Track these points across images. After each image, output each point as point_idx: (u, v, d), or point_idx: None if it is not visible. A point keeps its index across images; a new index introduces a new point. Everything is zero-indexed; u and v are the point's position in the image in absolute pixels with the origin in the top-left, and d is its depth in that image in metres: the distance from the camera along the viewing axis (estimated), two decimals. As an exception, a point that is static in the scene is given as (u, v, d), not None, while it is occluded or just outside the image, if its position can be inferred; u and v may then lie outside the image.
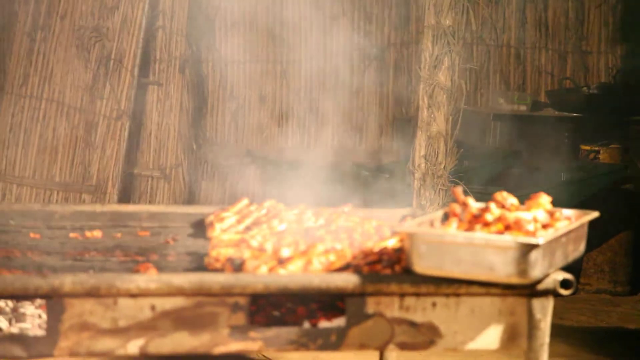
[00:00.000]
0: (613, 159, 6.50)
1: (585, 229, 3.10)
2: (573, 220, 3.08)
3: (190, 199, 6.15)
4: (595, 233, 3.39)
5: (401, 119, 6.61)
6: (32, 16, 6.33)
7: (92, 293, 2.65)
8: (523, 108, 7.24)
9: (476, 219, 2.91)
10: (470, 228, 2.86)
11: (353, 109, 6.34)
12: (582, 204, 3.43)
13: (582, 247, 3.09)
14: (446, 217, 3.01)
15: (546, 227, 2.93)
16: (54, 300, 2.66)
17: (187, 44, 6.42)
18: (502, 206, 3.06)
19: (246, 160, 5.77)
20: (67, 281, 2.64)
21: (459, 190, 3.14)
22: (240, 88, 6.57)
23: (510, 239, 2.72)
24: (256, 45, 6.67)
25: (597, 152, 6.52)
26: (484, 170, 5.99)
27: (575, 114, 6.95)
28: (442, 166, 5.23)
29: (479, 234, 2.77)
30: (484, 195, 3.36)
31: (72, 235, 3.57)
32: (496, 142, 7.04)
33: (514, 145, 6.89)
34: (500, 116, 7.09)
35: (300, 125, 6.24)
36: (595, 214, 3.16)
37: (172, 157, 6.29)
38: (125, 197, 6.28)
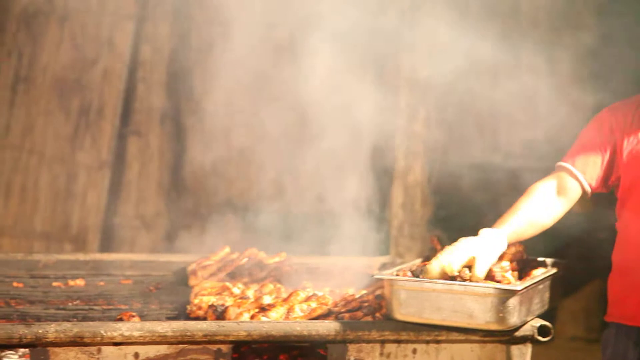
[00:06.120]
0: (585, 208, 6.58)
1: (560, 277, 3.16)
2: (549, 268, 3.14)
3: (171, 248, 6.16)
4: (570, 281, 3.46)
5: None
6: (14, 69, 6.39)
7: (76, 341, 2.67)
8: (498, 159, 7.33)
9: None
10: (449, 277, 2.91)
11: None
12: (556, 252, 3.50)
13: (558, 294, 3.15)
14: (423, 265, 3.06)
15: (523, 276, 3.00)
16: (38, 349, 2.67)
17: (166, 95, 6.48)
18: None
19: (226, 210, 5.81)
20: (51, 330, 2.66)
21: (437, 238, 3.20)
22: (219, 139, 6.63)
23: (488, 286, 2.77)
24: (235, 97, 6.73)
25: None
26: (460, 218, 6.06)
27: (550, 165, 7.04)
28: (419, 215, 5.29)
29: (458, 282, 2.82)
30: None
31: (55, 284, 3.60)
32: (472, 191, 7.11)
33: (489, 195, 6.95)
34: (476, 166, 7.18)
35: (279, 175, 6.30)
36: (569, 262, 3.23)
37: (153, 207, 6.32)
38: (106, 246, 6.29)
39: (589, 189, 3.18)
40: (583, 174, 3.18)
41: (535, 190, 3.20)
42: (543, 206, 3.13)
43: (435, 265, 2.85)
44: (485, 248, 2.92)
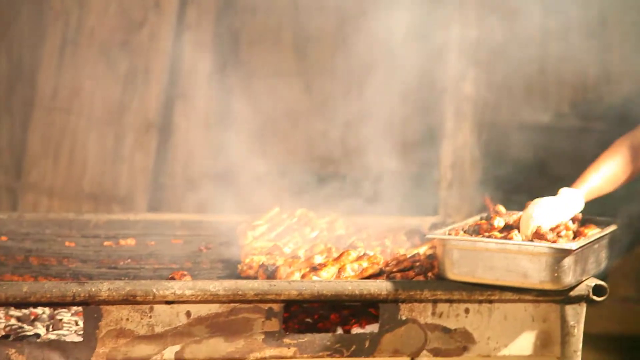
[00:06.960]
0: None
1: (615, 237, 3.12)
2: (604, 227, 3.10)
3: (220, 209, 6.18)
4: (622, 241, 3.42)
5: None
6: (61, 32, 6.42)
7: (129, 300, 2.68)
8: (547, 119, 7.25)
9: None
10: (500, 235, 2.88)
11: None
12: (610, 211, 3.45)
13: (613, 254, 3.11)
14: (476, 225, 3.03)
15: (578, 235, 2.96)
16: (91, 307, 2.69)
17: (213, 57, 6.48)
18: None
19: (275, 170, 5.82)
20: (104, 288, 2.67)
21: (490, 198, 3.16)
22: (266, 100, 6.63)
23: (543, 245, 2.73)
24: (281, 59, 6.71)
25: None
26: (510, 179, 6.00)
27: (598, 125, 6.95)
28: (468, 175, 5.25)
29: (512, 241, 2.79)
30: (509, 204, 3.38)
31: (106, 243, 3.62)
32: (520, 152, 7.04)
33: (538, 155, 6.89)
34: (525, 126, 7.10)
35: (328, 135, 6.28)
36: (624, 221, 3.18)
37: (200, 168, 6.34)
38: (154, 207, 6.33)
39: None
40: None
41: (618, 144, 3.12)
42: (625, 160, 3.08)
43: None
44: (560, 209, 2.93)
